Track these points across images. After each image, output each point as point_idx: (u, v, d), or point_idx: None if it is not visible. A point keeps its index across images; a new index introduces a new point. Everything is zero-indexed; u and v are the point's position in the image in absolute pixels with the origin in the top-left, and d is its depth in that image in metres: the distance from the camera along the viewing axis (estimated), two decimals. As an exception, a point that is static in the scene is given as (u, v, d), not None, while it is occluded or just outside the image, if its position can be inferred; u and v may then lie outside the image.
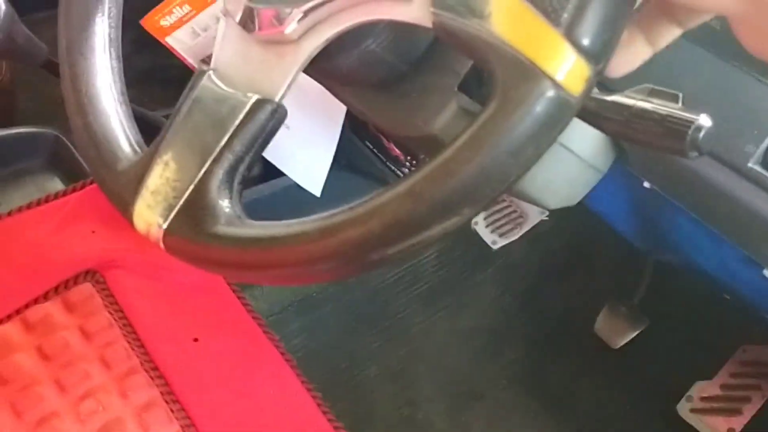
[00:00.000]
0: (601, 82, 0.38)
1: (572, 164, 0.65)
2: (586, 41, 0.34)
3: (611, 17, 0.35)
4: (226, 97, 0.45)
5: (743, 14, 0.31)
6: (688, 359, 1.14)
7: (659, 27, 0.39)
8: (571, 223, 1.31)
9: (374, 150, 1.29)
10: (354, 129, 1.25)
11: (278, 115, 0.44)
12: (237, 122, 0.44)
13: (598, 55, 0.35)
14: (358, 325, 1.23)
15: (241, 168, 0.44)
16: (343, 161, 1.24)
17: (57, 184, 1.05)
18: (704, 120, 0.39)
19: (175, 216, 0.44)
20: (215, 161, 0.43)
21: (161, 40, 1.23)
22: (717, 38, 0.62)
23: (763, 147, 0.57)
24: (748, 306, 0.78)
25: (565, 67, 0.34)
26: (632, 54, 0.39)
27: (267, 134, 0.44)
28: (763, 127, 0.57)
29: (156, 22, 1.22)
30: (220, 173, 0.43)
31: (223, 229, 0.42)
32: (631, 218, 0.84)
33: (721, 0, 0.31)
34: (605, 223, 0.90)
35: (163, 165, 0.45)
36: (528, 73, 0.34)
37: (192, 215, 0.43)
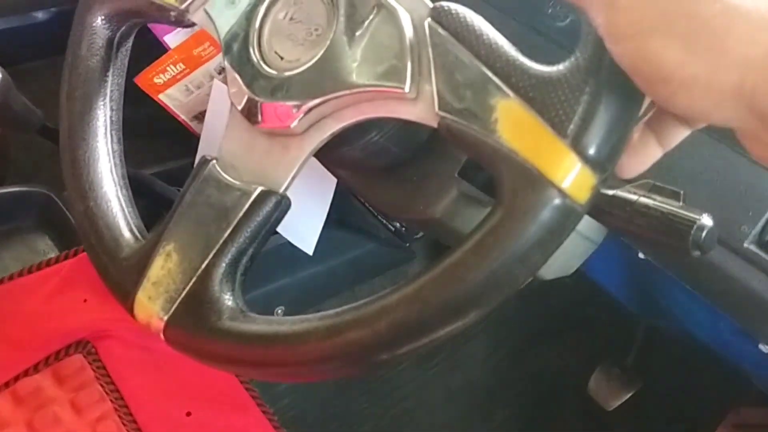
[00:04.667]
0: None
1: (568, 237, 0.65)
2: (591, 151, 0.35)
3: (617, 129, 0.35)
4: (230, 188, 0.45)
5: (750, 129, 0.32)
6: (681, 421, 1.14)
7: (669, 128, 0.39)
8: (563, 283, 1.31)
9: (365, 204, 1.30)
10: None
11: (282, 207, 0.44)
12: (241, 214, 0.44)
13: (603, 165, 0.35)
14: (349, 384, 1.22)
15: (245, 260, 0.44)
16: (333, 216, 1.25)
17: (47, 244, 1.04)
18: (706, 220, 0.40)
19: (176, 309, 0.43)
20: (218, 254, 0.43)
21: (155, 98, 1.23)
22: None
23: (758, 227, 0.58)
24: (742, 373, 0.78)
25: (571, 176, 0.35)
26: (644, 155, 0.40)
27: (271, 225, 0.44)
28: (758, 208, 0.58)
29: (150, 79, 1.23)
30: (222, 266, 0.43)
31: (225, 323, 0.42)
32: (626, 286, 0.84)
33: (728, 116, 0.31)
34: (599, 285, 0.90)
35: (165, 255, 0.45)
36: (535, 181, 0.35)
37: (194, 309, 0.43)
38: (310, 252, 1.15)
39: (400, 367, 1.25)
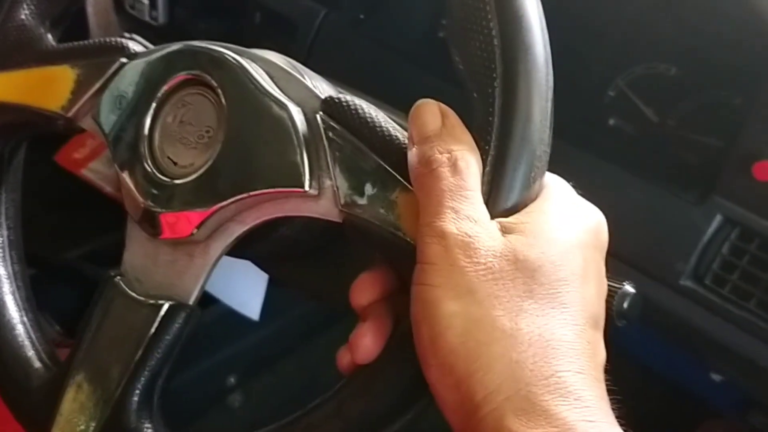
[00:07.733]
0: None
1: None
2: None
3: None
4: (137, 306, 0.42)
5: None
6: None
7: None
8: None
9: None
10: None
11: (193, 320, 0.42)
12: (150, 334, 0.41)
13: None
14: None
15: (160, 381, 0.41)
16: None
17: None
18: (628, 288, 0.38)
19: None
20: (131, 380, 0.40)
21: (78, 174, 1.19)
22: (636, 158, 0.63)
23: (692, 263, 0.57)
24: (699, 401, 0.77)
25: None
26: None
27: (183, 342, 0.41)
28: (688, 244, 0.57)
29: (70, 155, 1.19)
30: (136, 393, 0.40)
31: None
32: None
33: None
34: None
35: (76, 387, 0.42)
36: None
37: None
38: (256, 318, 1.12)
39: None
